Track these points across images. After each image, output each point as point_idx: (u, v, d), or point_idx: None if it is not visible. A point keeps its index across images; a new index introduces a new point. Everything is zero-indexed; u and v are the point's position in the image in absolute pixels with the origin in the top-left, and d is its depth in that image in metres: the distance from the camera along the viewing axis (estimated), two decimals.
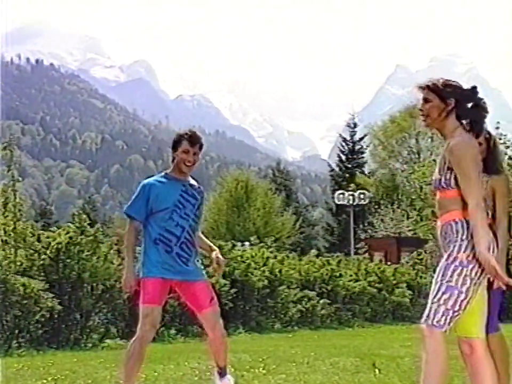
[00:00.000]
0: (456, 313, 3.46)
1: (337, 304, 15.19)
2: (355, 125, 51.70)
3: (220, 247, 14.06)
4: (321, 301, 14.65)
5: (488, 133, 4.88)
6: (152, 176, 4.91)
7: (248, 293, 12.93)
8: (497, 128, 25.69)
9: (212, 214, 39.80)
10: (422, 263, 21.29)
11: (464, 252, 3.48)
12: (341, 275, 15.77)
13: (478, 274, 3.46)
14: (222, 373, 4.94)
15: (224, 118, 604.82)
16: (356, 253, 28.72)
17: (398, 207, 35.22)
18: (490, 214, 4.68)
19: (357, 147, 51.03)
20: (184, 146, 4.72)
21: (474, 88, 3.71)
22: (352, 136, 51.43)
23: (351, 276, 16.14)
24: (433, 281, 3.55)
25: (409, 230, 30.64)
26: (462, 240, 3.50)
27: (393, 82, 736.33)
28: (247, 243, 20.35)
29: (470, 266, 3.45)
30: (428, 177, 26.00)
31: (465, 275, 3.45)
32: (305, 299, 14.43)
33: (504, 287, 4.01)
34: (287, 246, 36.00)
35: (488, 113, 3.73)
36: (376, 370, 6.48)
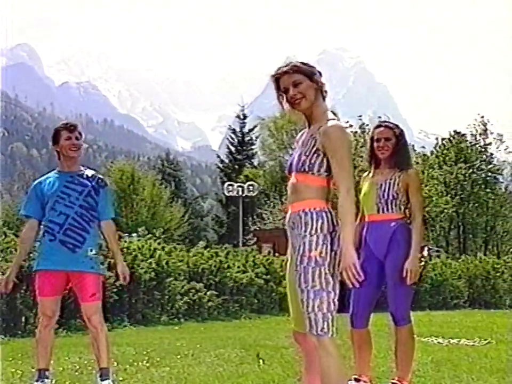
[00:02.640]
0: (334, 312, 3.40)
1: (224, 296, 15.25)
2: (245, 116, 52.14)
3: (105, 239, 13.87)
4: (208, 293, 14.67)
5: (397, 126, 4.90)
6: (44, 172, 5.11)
7: (134, 285, 12.74)
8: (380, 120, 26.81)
9: None
10: None
11: (315, 249, 3.38)
12: (229, 266, 15.84)
13: (335, 267, 3.38)
14: (102, 376, 4.81)
15: (113, 107, 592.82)
16: (244, 245, 28.96)
17: (286, 199, 35.79)
18: (403, 209, 4.81)
19: (247, 138, 51.47)
20: (64, 134, 4.82)
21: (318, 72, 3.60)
22: (242, 127, 51.82)
23: (238, 267, 16.26)
24: (299, 288, 3.42)
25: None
26: (311, 235, 3.40)
27: None
28: (134, 234, 20.13)
29: (326, 263, 3.36)
30: None
31: (325, 273, 3.36)
32: (193, 291, 14.41)
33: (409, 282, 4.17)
34: (176, 238, 35.89)
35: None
36: (260, 361, 6.58)
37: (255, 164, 50.55)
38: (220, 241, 36.05)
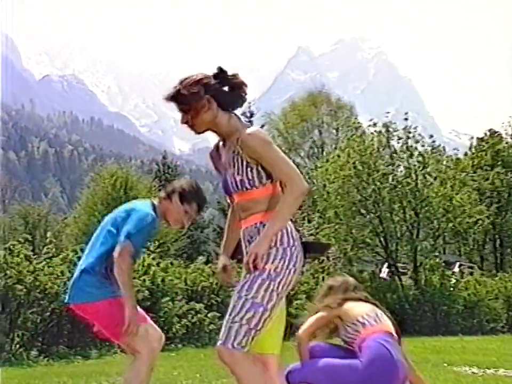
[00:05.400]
0: (258, 332, 3.45)
1: None
2: (252, 114, 52.14)
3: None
4: (209, 314, 14.66)
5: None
6: None
7: None
8: (406, 119, 26.65)
9: (86, 215, 39.08)
10: (325, 271, 21.74)
11: (272, 262, 3.47)
12: (232, 285, 15.79)
13: (284, 287, 3.48)
14: None
15: (101, 104, 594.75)
16: None
17: (298, 209, 35.77)
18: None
19: None
20: (194, 207, 4.75)
21: (220, 70, 3.65)
22: None
23: None
24: (235, 295, 3.50)
25: (311, 234, 31.23)
26: (270, 247, 3.49)
27: (294, 66, 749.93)
28: None
29: (278, 279, 3.46)
30: (331, 174, 26.61)
31: (272, 290, 3.44)
32: (192, 312, 14.40)
33: None
34: (173, 252, 35.89)
35: (246, 85, 3.69)
36: None
37: None
38: None
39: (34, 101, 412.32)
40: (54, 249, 14.05)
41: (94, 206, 38.91)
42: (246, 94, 3.69)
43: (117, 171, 41.66)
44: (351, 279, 5.15)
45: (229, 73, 3.63)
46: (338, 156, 27.23)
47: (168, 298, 13.96)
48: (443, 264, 24.95)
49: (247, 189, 3.58)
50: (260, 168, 3.55)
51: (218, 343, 3.49)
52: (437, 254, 27.42)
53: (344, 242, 26.59)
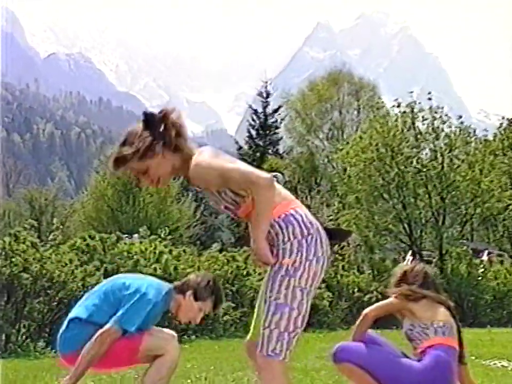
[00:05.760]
0: (292, 334, 3.46)
1: (243, 308, 15.23)
2: (268, 94, 51.98)
3: (102, 240, 13.97)
4: (224, 305, 14.70)
5: None
6: None
7: None
8: (430, 99, 26.48)
9: (93, 201, 39.22)
10: (345, 258, 21.75)
11: (289, 256, 3.48)
12: (248, 273, 15.83)
13: (308, 280, 3.49)
14: None
15: (109, 83, 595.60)
16: None
17: (317, 193, 35.82)
18: None
19: (270, 120, 51.37)
20: (209, 305, 4.76)
21: (146, 114, 3.60)
22: (264, 107, 51.68)
23: (260, 274, 16.22)
24: (264, 296, 3.54)
25: (330, 220, 31.23)
26: (284, 243, 3.50)
27: (312, 43, 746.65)
28: (136, 235, 20.22)
29: (298, 274, 3.46)
30: (353, 157, 26.56)
31: (294, 286, 3.45)
32: None
33: None
34: (185, 239, 36.00)
35: (177, 116, 3.62)
36: None
37: (280, 151, 50.48)
38: (237, 244, 36.04)
39: (40, 81, 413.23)
40: (61, 236, 14.14)
41: (103, 191, 39.02)
42: (180, 125, 3.62)
43: None
44: (429, 270, 5.13)
45: (156, 115, 3.58)
46: (360, 138, 27.19)
47: None
48: (471, 252, 24.87)
49: (236, 212, 3.64)
50: (227, 191, 3.59)
51: (257, 350, 3.52)
52: (464, 241, 27.38)
53: (366, 229, 26.60)
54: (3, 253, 10.91)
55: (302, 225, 3.53)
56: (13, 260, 10.88)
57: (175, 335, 4.77)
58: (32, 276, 10.98)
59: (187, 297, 4.62)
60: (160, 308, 4.56)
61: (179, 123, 3.61)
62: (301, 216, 3.57)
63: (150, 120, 3.58)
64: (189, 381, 7.15)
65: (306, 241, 3.50)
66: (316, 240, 3.52)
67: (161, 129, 3.56)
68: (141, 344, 4.44)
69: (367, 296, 19.22)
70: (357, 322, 4.85)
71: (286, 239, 3.49)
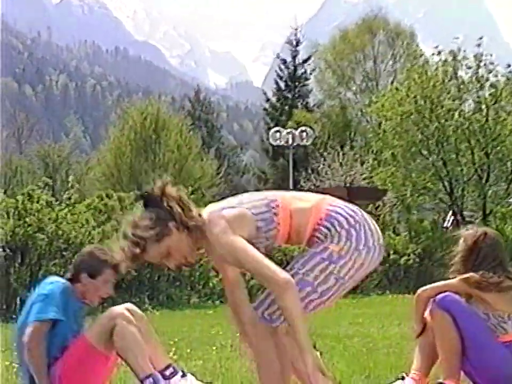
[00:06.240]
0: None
1: None
2: (298, 43, 51.49)
3: (120, 199, 14.05)
4: None
5: None
6: None
7: None
8: (478, 46, 25.99)
9: (112, 157, 39.39)
10: (379, 219, 21.73)
11: (337, 243, 3.43)
12: None
13: (350, 272, 3.44)
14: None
15: (126, 31, 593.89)
16: None
17: (350, 150, 35.67)
18: None
19: (300, 71, 51.02)
20: (108, 275, 4.56)
21: (141, 197, 3.66)
22: (294, 57, 51.28)
23: None
24: (289, 266, 3.52)
25: (364, 179, 31.14)
26: (336, 231, 3.44)
27: None
28: None
29: (341, 262, 3.41)
30: (388, 110, 26.34)
31: (330, 272, 3.41)
32: None
33: None
34: (208, 199, 36.09)
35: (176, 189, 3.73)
36: (318, 354, 6.62)
37: (310, 104, 50.22)
38: None
39: (52, 29, 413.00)
40: (76, 195, 14.20)
41: (121, 147, 39.13)
42: (180, 198, 3.71)
43: (147, 107, 41.70)
44: (504, 252, 4.78)
45: (152, 194, 3.61)
46: (396, 89, 26.93)
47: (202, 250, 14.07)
48: None
49: (275, 241, 3.65)
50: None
51: (254, 307, 3.62)
52: (510, 200, 27.16)
53: (402, 187, 26.45)
54: (16, 213, 11.02)
55: (346, 215, 3.48)
56: (27, 219, 10.99)
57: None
58: (47, 237, 11.09)
59: (84, 280, 4.46)
60: (66, 293, 4.39)
61: (178, 196, 3.68)
62: (340, 207, 3.53)
63: (149, 200, 3.61)
64: (214, 347, 7.22)
65: (355, 229, 3.45)
66: (365, 228, 3.48)
67: (165, 209, 3.59)
68: (86, 338, 4.34)
69: (403, 258, 19.26)
70: (414, 308, 4.71)
71: (339, 228, 3.44)
